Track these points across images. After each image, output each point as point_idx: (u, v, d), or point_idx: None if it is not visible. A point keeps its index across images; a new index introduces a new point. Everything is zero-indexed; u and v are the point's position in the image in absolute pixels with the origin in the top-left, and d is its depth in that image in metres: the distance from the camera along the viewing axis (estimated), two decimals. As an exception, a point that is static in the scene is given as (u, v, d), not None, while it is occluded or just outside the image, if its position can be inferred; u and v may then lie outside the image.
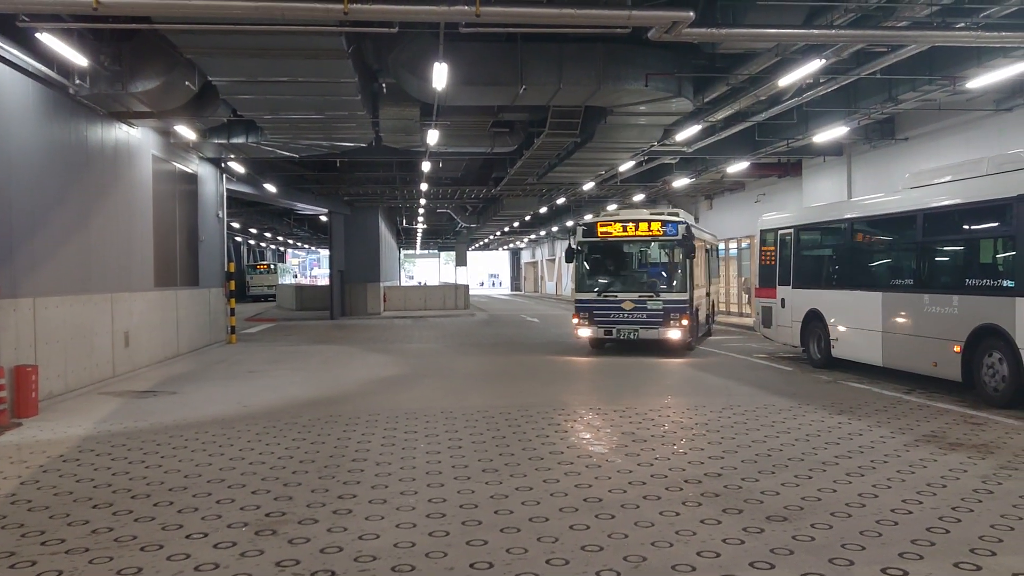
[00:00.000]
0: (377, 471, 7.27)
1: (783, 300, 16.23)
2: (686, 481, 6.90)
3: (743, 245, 29.92)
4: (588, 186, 28.58)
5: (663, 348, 17.46)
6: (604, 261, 18.13)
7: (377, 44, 13.84)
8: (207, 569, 4.88)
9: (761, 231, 17.52)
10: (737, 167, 24.14)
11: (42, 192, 11.94)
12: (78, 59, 11.57)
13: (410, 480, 6.96)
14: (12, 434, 9.19)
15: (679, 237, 16.83)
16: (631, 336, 16.94)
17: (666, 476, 7.07)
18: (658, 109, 16.29)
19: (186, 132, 16.70)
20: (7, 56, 11.35)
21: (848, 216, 14.40)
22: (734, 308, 30.99)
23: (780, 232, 16.55)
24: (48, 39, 10.75)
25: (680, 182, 27.76)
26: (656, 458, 7.76)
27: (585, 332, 17.49)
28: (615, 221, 17.56)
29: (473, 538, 5.42)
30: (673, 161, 25.32)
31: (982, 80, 13.93)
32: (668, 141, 19.91)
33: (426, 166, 23.91)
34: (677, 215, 18.00)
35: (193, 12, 9.75)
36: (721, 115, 17.10)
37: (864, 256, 14.23)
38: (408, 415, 10.14)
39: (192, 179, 19.74)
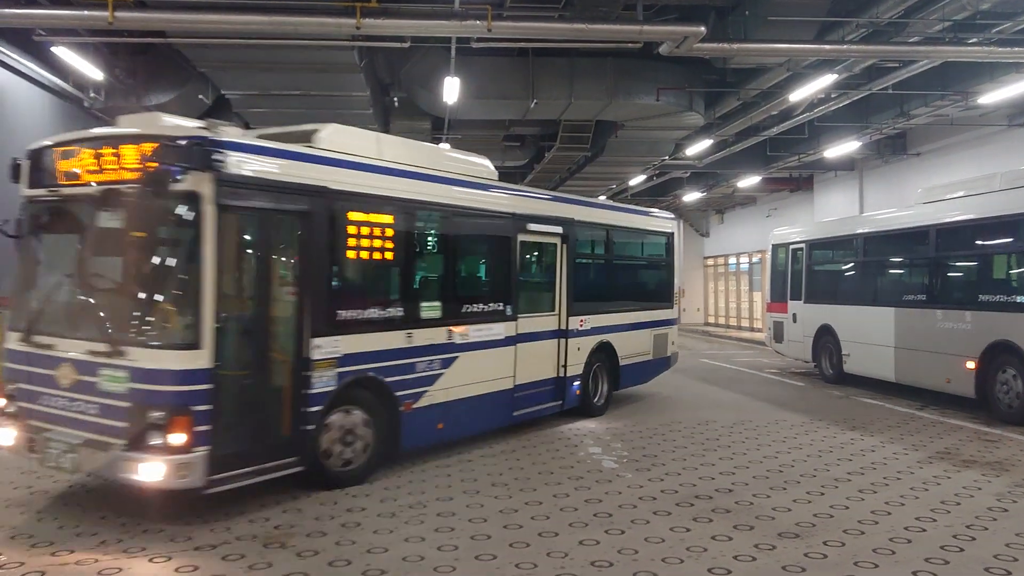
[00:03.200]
0: (386, 484, 7.25)
1: (794, 315, 16.15)
2: (697, 497, 6.85)
3: (754, 260, 29.82)
4: (599, 199, 28.62)
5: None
6: (57, 252, 7.02)
7: (389, 58, 13.95)
8: (215, 582, 4.87)
9: (773, 246, 17.46)
10: (748, 182, 24.10)
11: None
12: (93, 73, 11.70)
13: (419, 493, 6.94)
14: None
15: (156, 175, 5.84)
16: (62, 464, 6.15)
17: (677, 491, 7.03)
18: (669, 123, 16.32)
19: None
20: (22, 69, 11.48)
21: (860, 231, 14.35)
22: (745, 323, 30.86)
23: (791, 247, 16.49)
24: (64, 53, 10.88)
25: (691, 196, 27.75)
26: (667, 473, 7.71)
27: None
28: (84, 144, 6.52)
29: (482, 552, 5.39)
30: (684, 175, 25.32)
31: (995, 95, 13.89)
32: (679, 155, 19.94)
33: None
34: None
35: (207, 27, 9.87)
36: (732, 129, 17.11)
37: (876, 271, 14.15)
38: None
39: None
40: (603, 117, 16.18)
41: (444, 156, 9.24)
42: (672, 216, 14.01)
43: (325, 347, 6.80)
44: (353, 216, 7.26)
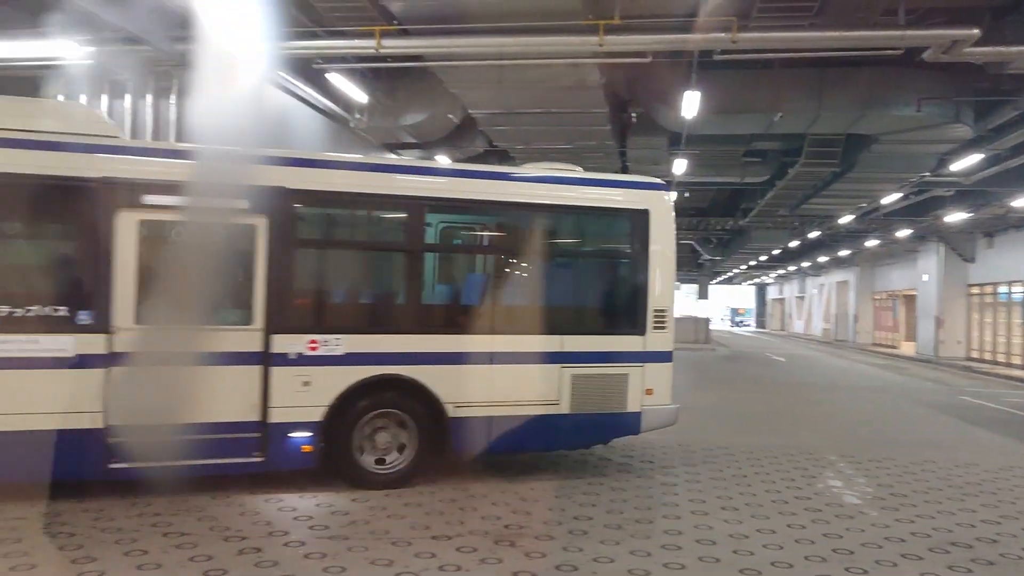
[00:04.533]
0: (612, 497, 7.26)
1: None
2: (952, 543, 6.19)
3: (1030, 289, 26.50)
4: (846, 219, 26.92)
5: None
6: None
7: (628, 74, 14.03)
8: (450, 570, 5.13)
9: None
10: (1025, 201, 21.51)
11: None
12: (359, 96, 12.85)
13: (645, 509, 6.87)
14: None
15: None
16: None
17: (929, 536, 6.39)
18: (931, 136, 15.01)
19: (446, 162, 17.90)
20: (303, 95, 12.87)
21: None
22: (1016, 359, 27.46)
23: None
24: (336, 79, 12.06)
25: (954, 217, 25.23)
26: (917, 515, 7.04)
27: None
28: None
29: (710, 574, 5.23)
30: (947, 193, 23.13)
31: None
32: (942, 171, 18.25)
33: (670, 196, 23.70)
34: None
35: (460, 49, 10.50)
36: (1008, 143, 15.43)
37: None
38: (644, 445, 10.01)
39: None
40: (854, 130, 15.21)
41: None
42: (652, 183, 8.68)
43: None
44: None
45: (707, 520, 6.58)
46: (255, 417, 6.84)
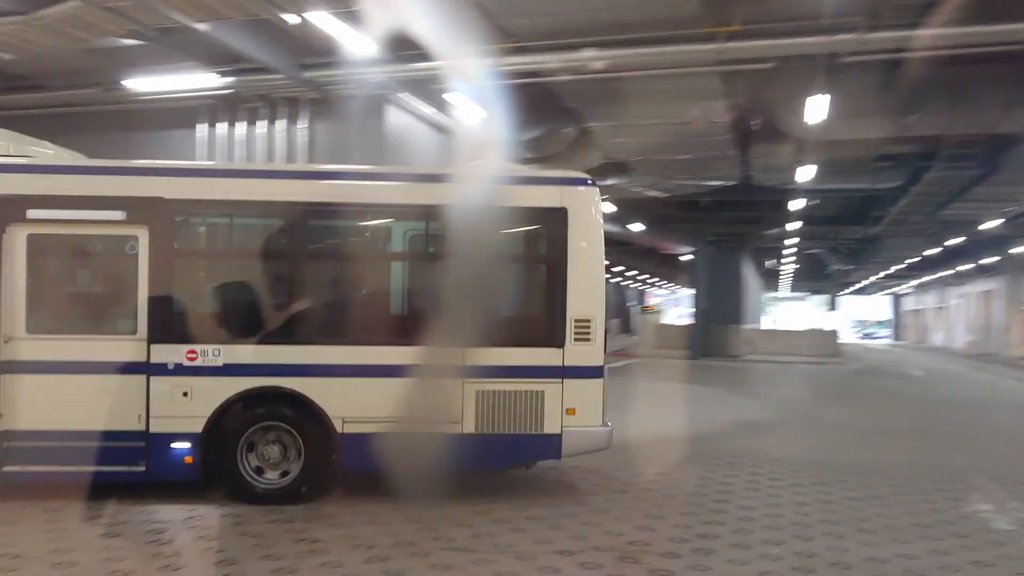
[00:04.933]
0: (740, 515, 7.04)
1: None
2: (1124, 577, 5.67)
3: None
4: (990, 224, 25.25)
5: None
6: None
7: (750, 80, 13.67)
8: (573, 586, 5.12)
9: None
10: None
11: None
12: (478, 113, 13.07)
13: (775, 529, 6.63)
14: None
15: None
16: None
17: (1095, 567, 5.88)
18: (1087, 133, 13.91)
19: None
20: (420, 114, 13.27)
21: None
22: None
23: None
24: (453, 98, 12.34)
25: (1114, 219, 23.28)
26: (1080, 544, 6.50)
27: None
28: None
29: (847, 601, 4.99)
30: (1106, 194, 21.34)
31: None
32: (1099, 170, 16.86)
33: (796, 204, 22.92)
34: None
35: (577, 63, 10.55)
36: None
37: None
38: (772, 462, 9.68)
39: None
40: (998, 130, 14.26)
41: None
42: (571, 178, 7.69)
43: None
44: None
45: (841, 543, 6.28)
46: (139, 427, 6.90)
